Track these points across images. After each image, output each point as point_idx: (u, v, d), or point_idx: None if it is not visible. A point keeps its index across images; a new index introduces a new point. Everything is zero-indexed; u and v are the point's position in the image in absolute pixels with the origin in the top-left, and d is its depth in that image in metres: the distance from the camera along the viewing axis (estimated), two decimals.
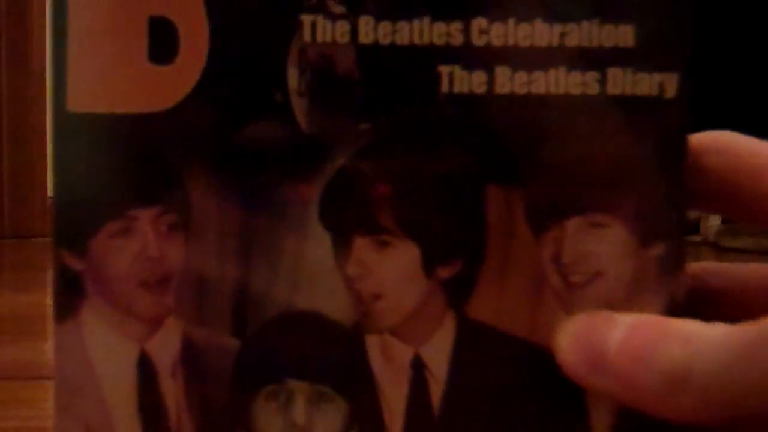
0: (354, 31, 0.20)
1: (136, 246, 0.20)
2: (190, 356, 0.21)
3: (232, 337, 0.21)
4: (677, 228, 0.21)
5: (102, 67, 0.20)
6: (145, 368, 0.21)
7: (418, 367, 0.21)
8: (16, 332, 0.66)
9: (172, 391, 0.21)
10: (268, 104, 0.20)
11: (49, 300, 0.91)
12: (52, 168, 0.21)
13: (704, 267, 0.23)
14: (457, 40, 0.20)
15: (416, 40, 0.20)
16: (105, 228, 0.20)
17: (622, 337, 0.20)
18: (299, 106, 0.20)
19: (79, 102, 0.20)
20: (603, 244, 0.21)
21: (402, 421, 0.21)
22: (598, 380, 0.20)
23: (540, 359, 0.21)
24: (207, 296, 0.20)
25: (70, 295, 0.20)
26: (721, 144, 0.22)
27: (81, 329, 0.20)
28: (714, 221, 1.60)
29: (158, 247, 0.20)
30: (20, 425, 0.33)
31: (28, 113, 2.07)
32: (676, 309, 0.21)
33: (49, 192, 2.14)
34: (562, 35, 0.20)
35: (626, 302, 0.21)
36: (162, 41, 0.20)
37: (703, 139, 0.22)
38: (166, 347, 0.20)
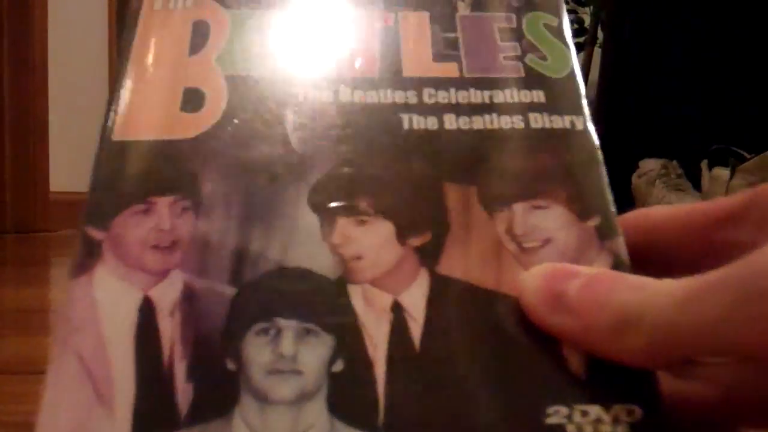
0: (335, 95, 0.27)
1: (152, 221, 0.24)
2: (190, 300, 0.22)
3: (229, 285, 0.23)
4: (607, 206, 0.25)
5: (146, 112, 0.26)
6: (146, 309, 0.22)
7: (398, 310, 0.23)
8: (19, 327, 0.64)
9: (168, 328, 0.22)
10: (271, 134, 0.26)
11: (52, 294, 0.83)
12: (91, 172, 0.25)
13: (635, 219, 0.26)
14: (412, 101, 0.27)
15: (382, 101, 0.27)
16: (129, 209, 0.24)
17: (583, 283, 0.22)
18: (295, 137, 0.26)
19: (122, 134, 0.26)
20: (547, 219, 0.25)
21: (385, 354, 0.22)
22: (557, 320, 0.22)
23: (509, 303, 0.23)
24: (210, 254, 0.23)
25: (88, 257, 0.23)
26: (639, 217, 0.27)
27: (91, 280, 0.23)
28: None
29: (170, 222, 0.24)
30: (24, 420, 0.29)
31: (31, 108, 2.01)
32: (623, 267, 0.24)
33: (51, 188, 2.00)
34: (491, 96, 0.28)
35: (576, 261, 0.24)
36: (192, 100, 0.27)
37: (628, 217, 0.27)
38: (167, 293, 0.22)
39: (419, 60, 0.28)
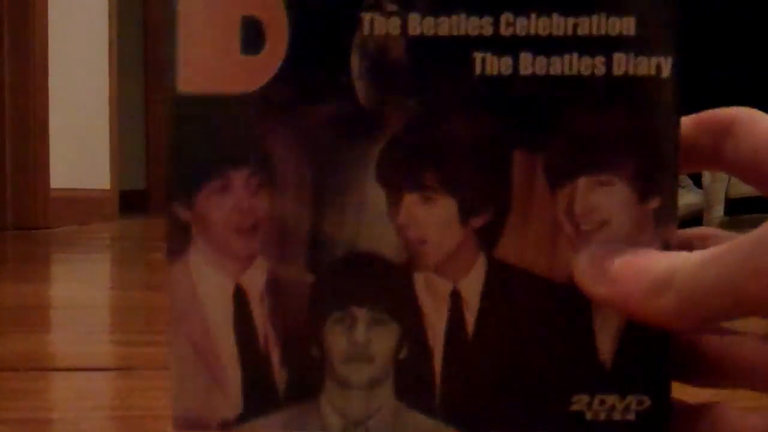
0: (404, 26, 0.25)
1: (231, 201, 0.26)
2: (274, 288, 0.26)
3: (308, 272, 0.26)
4: (671, 187, 0.25)
5: (205, 58, 0.25)
6: (240, 297, 0.26)
7: (456, 298, 0.26)
8: (20, 323, 0.67)
9: (260, 315, 0.26)
10: (336, 85, 0.25)
11: (52, 291, 0.94)
12: (167, 139, 0.26)
13: (702, 232, 0.28)
14: (488, 31, 0.25)
15: (454, 32, 0.25)
16: (208, 185, 0.26)
17: (626, 258, 0.24)
18: (359, 88, 0.25)
19: (187, 85, 0.25)
20: (608, 198, 0.25)
21: (443, 342, 0.26)
22: (600, 289, 0.25)
23: (556, 292, 0.25)
24: (288, 239, 0.26)
25: (180, 239, 0.26)
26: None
27: (188, 267, 0.26)
28: (717, 213, 1.64)
29: (248, 201, 0.26)
30: (25, 416, 0.34)
31: (31, 106, 2.12)
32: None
33: (52, 185, 2.23)
34: (575, 26, 0.25)
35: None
36: (251, 36, 0.25)
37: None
38: (255, 280, 0.26)
39: None
